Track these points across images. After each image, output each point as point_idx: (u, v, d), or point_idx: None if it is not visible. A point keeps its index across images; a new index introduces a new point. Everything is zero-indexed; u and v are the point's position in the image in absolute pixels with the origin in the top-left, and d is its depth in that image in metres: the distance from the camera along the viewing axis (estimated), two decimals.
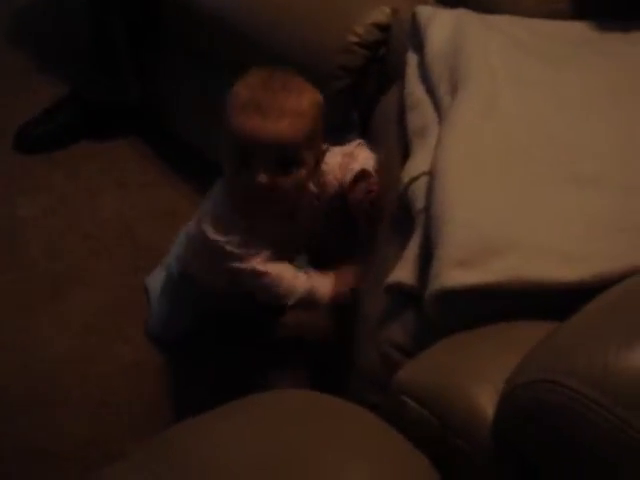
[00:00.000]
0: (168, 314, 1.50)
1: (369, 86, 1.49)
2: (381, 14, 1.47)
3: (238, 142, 1.16)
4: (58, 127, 1.88)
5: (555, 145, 1.07)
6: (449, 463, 0.81)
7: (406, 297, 1.01)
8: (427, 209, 1.03)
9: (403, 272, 1.02)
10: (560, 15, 1.36)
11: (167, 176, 1.83)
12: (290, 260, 1.38)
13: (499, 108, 1.12)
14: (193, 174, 1.82)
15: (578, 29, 1.33)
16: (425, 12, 1.33)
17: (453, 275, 0.92)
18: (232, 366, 1.44)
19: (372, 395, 1.01)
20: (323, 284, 1.28)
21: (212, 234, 1.24)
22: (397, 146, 1.26)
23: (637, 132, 1.07)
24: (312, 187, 1.27)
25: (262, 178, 1.15)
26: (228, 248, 1.23)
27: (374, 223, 1.22)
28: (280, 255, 1.29)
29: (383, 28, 1.46)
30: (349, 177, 1.27)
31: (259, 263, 1.24)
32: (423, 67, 1.27)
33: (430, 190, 1.04)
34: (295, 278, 1.26)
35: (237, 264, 1.24)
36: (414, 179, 1.10)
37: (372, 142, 1.41)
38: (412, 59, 1.30)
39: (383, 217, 1.20)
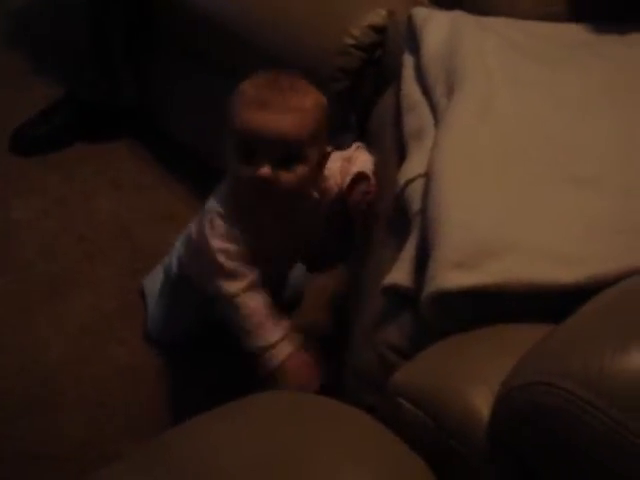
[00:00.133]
0: (166, 316, 1.50)
1: (365, 88, 1.50)
2: (377, 16, 1.47)
3: (242, 137, 1.17)
4: (53, 129, 1.88)
5: (552, 146, 1.07)
6: (445, 465, 0.81)
7: (402, 299, 1.01)
8: (423, 211, 1.03)
9: (399, 274, 1.02)
10: (556, 17, 1.36)
11: (163, 178, 1.83)
12: (289, 268, 1.38)
13: (495, 110, 1.12)
14: (189, 175, 1.82)
15: (574, 31, 1.33)
16: (421, 14, 1.33)
17: (449, 277, 0.92)
18: (229, 368, 1.43)
19: (368, 397, 1.01)
20: (286, 352, 1.23)
21: (212, 238, 1.23)
22: (394, 148, 1.26)
23: (634, 133, 1.07)
24: (315, 194, 1.27)
25: (264, 171, 1.15)
26: (220, 259, 1.22)
27: (369, 224, 1.22)
28: (279, 262, 1.28)
29: (379, 30, 1.47)
30: (347, 180, 1.27)
31: (243, 291, 1.22)
32: (419, 69, 1.27)
33: (426, 192, 1.04)
34: (268, 325, 1.22)
35: (221, 282, 1.22)
36: (410, 181, 1.10)
37: (369, 144, 1.41)
38: (408, 61, 1.31)
39: (378, 219, 1.20)
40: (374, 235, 1.20)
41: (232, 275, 1.22)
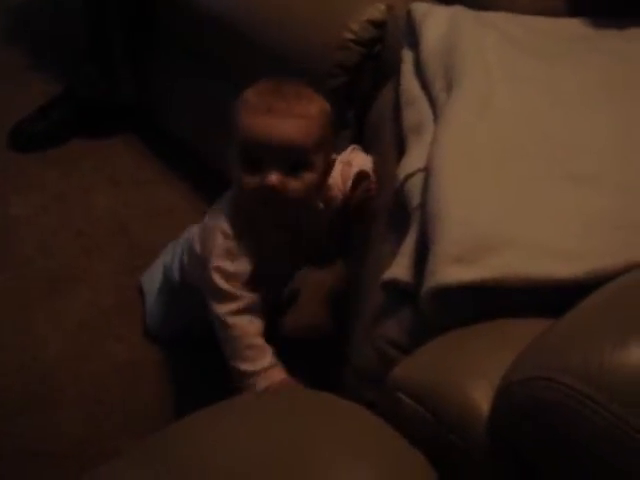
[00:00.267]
0: (165, 314, 1.50)
1: (364, 83, 1.49)
2: (376, 11, 1.46)
3: (247, 145, 1.15)
4: (52, 125, 1.88)
5: (551, 142, 1.07)
6: (445, 460, 0.80)
7: (402, 294, 1.01)
8: (423, 206, 1.03)
9: (399, 269, 1.02)
10: (555, 12, 1.36)
11: (162, 174, 1.83)
12: (293, 272, 1.36)
13: (494, 105, 1.12)
14: (188, 172, 1.82)
15: (573, 26, 1.33)
16: (420, 9, 1.33)
17: (449, 272, 0.92)
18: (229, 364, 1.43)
19: (368, 392, 1.01)
20: (274, 378, 1.19)
21: (212, 255, 1.20)
22: (393, 143, 1.25)
23: (633, 128, 1.07)
24: (320, 204, 1.25)
25: (272, 178, 1.12)
26: (215, 279, 1.19)
27: (368, 220, 1.22)
28: (282, 268, 1.27)
29: (378, 25, 1.46)
30: (349, 183, 1.26)
31: (233, 313, 1.20)
32: (418, 64, 1.26)
33: (426, 187, 1.04)
34: (256, 351, 1.20)
35: (212, 301, 1.21)
36: (410, 176, 1.09)
37: (368, 139, 1.41)
38: (407, 56, 1.30)
39: (375, 214, 1.20)
40: (373, 230, 1.19)
41: (225, 297, 1.20)
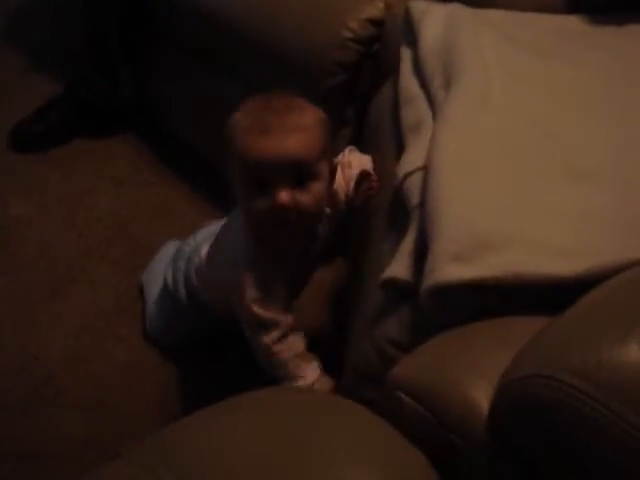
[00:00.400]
0: (168, 325, 1.50)
1: (363, 82, 1.49)
2: (375, 9, 1.46)
3: (249, 167, 1.11)
4: (52, 125, 1.88)
5: (550, 139, 1.06)
6: (445, 459, 0.80)
7: (401, 292, 1.01)
8: (422, 204, 1.03)
9: (398, 267, 1.02)
10: (553, 9, 1.36)
11: (162, 174, 1.83)
12: (307, 275, 1.35)
13: (493, 103, 1.12)
14: (188, 171, 1.81)
15: (571, 23, 1.33)
16: (418, 7, 1.32)
17: (448, 270, 0.92)
18: (228, 364, 1.43)
19: (367, 391, 1.01)
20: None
21: (246, 287, 1.18)
22: (392, 141, 1.25)
23: (631, 125, 1.07)
24: (327, 210, 1.23)
25: (282, 197, 1.09)
26: (255, 310, 1.18)
27: (367, 217, 1.22)
28: (297, 276, 1.26)
29: (377, 23, 1.46)
30: (352, 184, 1.25)
31: (279, 339, 1.19)
32: (417, 62, 1.26)
33: (425, 185, 1.04)
34: (303, 369, 1.20)
35: (256, 333, 1.19)
36: (409, 174, 1.09)
37: (367, 138, 1.40)
38: (406, 54, 1.30)
39: (375, 212, 1.19)
40: (373, 229, 1.19)
41: (267, 326, 1.19)
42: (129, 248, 1.67)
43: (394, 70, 1.32)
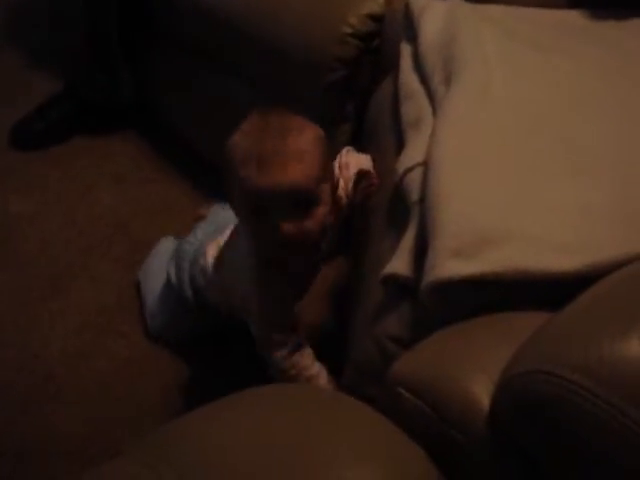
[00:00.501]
0: (171, 322, 1.50)
1: (363, 77, 1.49)
2: (375, 5, 1.46)
3: (249, 197, 1.10)
4: (53, 123, 1.88)
5: (550, 135, 1.06)
6: (446, 454, 0.80)
7: (402, 288, 1.01)
8: (422, 200, 1.03)
9: (399, 263, 1.01)
10: (554, 4, 1.35)
11: (162, 171, 1.82)
12: (312, 283, 1.33)
13: (493, 98, 1.11)
14: (188, 169, 1.81)
15: (572, 18, 1.32)
16: (418, 2, 1.32)
17: (449, 266, 0.92)
18: (230, 360, 1.43)
19: (368, 387, 1.01)
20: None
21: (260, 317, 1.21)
22: (392, 137, 1.25)
23: (631, 120, 1.07)
24: (330, 218, 1.21)
25: (288, 229, 1.09)
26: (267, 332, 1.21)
27: (367, 215, 1.22)
28: (306, 286, 1.28)
29: (377, 19, 1.46)
30: (350, 185, 1.25)
31: (290, 354, 1.21)
32: (417, 57, 1.26)
33: (425, 181, 1.04)
34: (314, 378, 1.23)
35: (268, 351, 1.21)
36: (409, 170, 1.09)
37: (367, 134, 1.40)
38: (406, 50, 1.30)
39: (375, 209, 1.19)
40: (373, 225, 1.19)
41: (277, 344, 1.20)
42: (130, 245, 1.67)
43: (394, 66, 1.32)
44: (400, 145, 1.18)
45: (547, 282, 0.90)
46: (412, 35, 1.30)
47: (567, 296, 0.78)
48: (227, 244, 1.30)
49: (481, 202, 0.98)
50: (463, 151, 1.04)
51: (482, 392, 0.78)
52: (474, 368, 0.81)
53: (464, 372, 0.81)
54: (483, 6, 1.32)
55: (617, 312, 0.72)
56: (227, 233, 1.31)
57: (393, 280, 1.01)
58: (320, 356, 1.23)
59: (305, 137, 1.10)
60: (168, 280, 1.47)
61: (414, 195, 1.06)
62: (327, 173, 1.13)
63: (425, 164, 1.06)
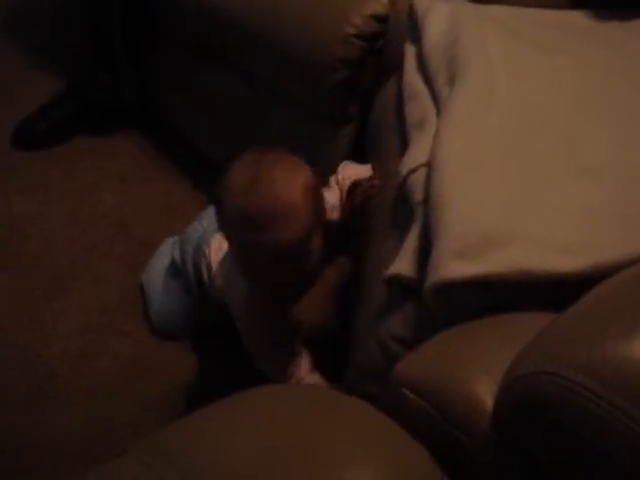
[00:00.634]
0: (175, 308, 1.50)
1: (367, 78, 1.49)
2: (378, 5, 1.46)
3: (246, 255, 1.15)
4: (55, 123, 1.88)
5: (553, 136, 1.06)
6: (449, 455, 0.80)
7: (405, 289, 1.01)
8: (426, 201, 1.03)
9: (402, 264, 1.01)
10: (557, 5, 1.35)
11: (165, 170, 1.82)
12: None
13: (497, 99, 1.11)
14: (191, 168, 1.81)
15: (575, 18, 1.32)
16: (422, 3, 1.32)
17: (452, 267, 0.92)
18: (234, 360, 1.43)
19: (371, 387, 1.01)
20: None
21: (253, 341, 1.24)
22: (396, 138, 1.25)
23: (634, 121, 1.07)
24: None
25: (289, 277, 1.15)
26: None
27: (369, 217, 1.22)
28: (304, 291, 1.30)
29: (381, 19, 1.45)
30: (344, 196, 1.26)
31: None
32: (421, 58, 1.26)
33: (429, 182, 1.04)
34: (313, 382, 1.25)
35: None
36: (412, 171, 1.09)
37: (371, 134, 1.40)
38: (410, 50, 1.30)
39: (378, 210, 1.20)
40: (376, 226, 1.19)
41: (272, 361, 1.25)
42: (133, 244, 1.67)
43: (398, 67, 1.32)
44: (404, 146, 1.18)
45: (550, 283, 0.90)
46: (416, 36, 1.30)
47: (570, 297, 0.78)
48: (226, 261, 1.32)
49: (485, 203, 0.98)
50: (467, 152, 1.04)
51: (486, 393, 0.78)
52: (478, 369, 0.81)
53: (468, 373, 0.81)
54: (487, 7, 1.32)
55: (620, 313, 0.72)
56: None
57: (397, 281, 1.01)
58: (322, 356, 1.24)
59: (295, 188, 1.10)
60: (173, 262, 1.48)
61: (418, 196, 1.06)
62: (319, 215, 1.14)
63: (429, 165, 1.06)
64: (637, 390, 0.66)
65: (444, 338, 0.90)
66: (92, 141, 1.89)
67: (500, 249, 0.92)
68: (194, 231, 1.45)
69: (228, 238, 1.18)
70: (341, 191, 1.27)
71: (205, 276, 1.38)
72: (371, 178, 1.26)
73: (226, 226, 1.16)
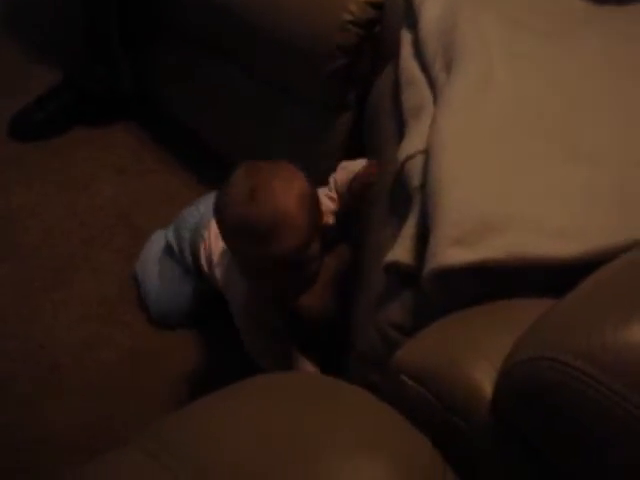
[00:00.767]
0: (173, 295, 1.51)
1: (364, 65, 1.48)
2: None
3: (246, 262, 1.18)
4: (53, 114, 1.87)
5: (551, 121, 1.06)
6: (449, 442, 0.80)
7: (404, 276, 1.01)
8: (423, 187, 1.02)
9: (401, 251, 1.01)
10: None
11: (163, 161, 1.82)
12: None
13: (494, 85, 1.11)
14: (189, 159, 1.81)
15: (574, 4, 1.31)
16: None
17: (450, 253, 0.91)
18: (234, 349, 1.43)
19: (371, 375, 1.01)
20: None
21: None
22: (393, 125, 1.25)
23: (632, 107, 1.06)
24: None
25: (288, 282, 1.19)
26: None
27: (369, 203, 1.22)
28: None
29: (377, 6, 1.45)
30: (341, 198, 1.29)
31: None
32: (417, 45, 1.25)
33: (426, 168, 1.03)
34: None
35: None
36: (410, 157, 1.09)
37: (369, 121, 1.40)
38: (406, 37, 1.29)
39: (376, 197, 1.20)
40: (374, 214, 1.19)
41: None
42: (131, 236, 1.67)
43: (395, 53, 1.31)
44: (401, 132, 1.17)
45: (549, 268, 0.89)
46: (412, 22, 1.29)
47: (569, 283, 0.78)
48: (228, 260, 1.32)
49: (482, 189, 0.97)
50: (464, 138, 1.04)
51: (485, 379, 0.78)
52: (476, 355, 0.81)
53: (466, 359, 0.81)
54: None
55: (620, 299, 0.71)
56: None
57: (395, 268, 1.01)
58: (323, 343, 1.24)
59: (291, 200, 1.13)
60: (169, 247, 1.48)
61: (415, 182, 1.06)
62: (316, 230, 1.17)
63: (426, 151, 1.05)
64: (636, 376, 0.66)
65: (443, 325, 0.90)
66: (90, 132, 1.89)
67: (498, 235, 0.91)
68: (190, 216, 1.45)
69: (228, 246, 1.21)
70: (337, 194, 1.30)
71: (204, 262, 1.38)
72: (369, 166, 1.26)
73: (226, 234, 1.18)
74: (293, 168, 1.17)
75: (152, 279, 1.52)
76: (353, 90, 1.51)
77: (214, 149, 1.73)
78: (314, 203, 1.17)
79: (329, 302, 1.51)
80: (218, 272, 1.33)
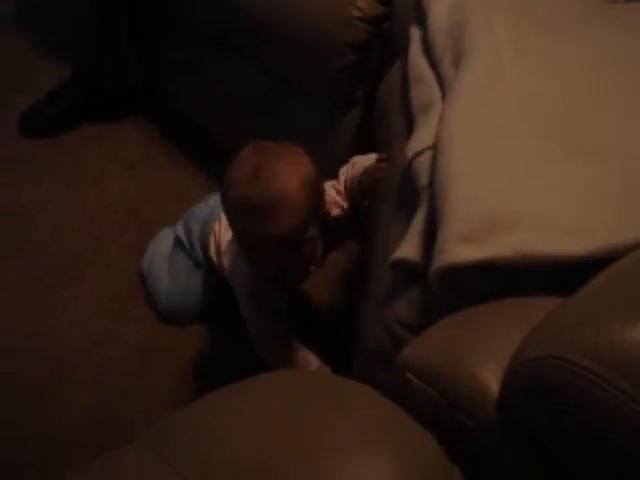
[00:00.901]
0: (183, 288, 1.51)
1: (373, 61, 1.48)
2: None
3: (247, 242, 1.19)
4: (62, 110, 1.88)
5: (559, 118, 1.05)
6: (454, 440, 0.80)
7: (411, 273, 1.00)
8: (431, 184, 1.02)
9: (408, 248, 1.01)
10: None
11: (172, 157, 1.82)
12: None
13: (503, 81, 1.10)
14: (198, 154, 1.81)
15: (585, 0, 1.31)
16: None
17: (458, 251, 0.91)
18: (241, 346, 1.43)
19: (377, 372, 1.01)
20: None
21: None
22: (402, 121, 1.24)
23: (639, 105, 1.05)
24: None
25: (287, 264, 1.19)
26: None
27: (377, 199, 1.22)
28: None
29: (386, 2, 1.44)
30: (350, 192, 1.29)
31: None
32: (426, 40, 1.25)
33: (434, 165, 1.03)
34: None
35: None
36: (418, 154, 1.08)
37: (378, 117, 1.39)
38: (415, 33, 1.29)
39: (384, 194, 1.19)
40: (383, 210, 1.19)
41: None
42: (141, 232, 1.67)
43: (404, 49, 1.31)
44: (410, 129, 1.17)
45: (556, 267, 0.89)
46: (421, 18, 1.28)
47: (577, 282, 0.78)
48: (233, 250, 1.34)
49: (490, 185, 0.97)
50: (472, 134, 1.03)
51: (491, 378, 0.78)
52: (483, 354, 0.81)
53: (473, 358, 0.81)
54: None
55: (628, 298, 0.71)
56: None
57: (402, 265, 1.01)
58: (329, 340, 1.24)
59: (293, 182, 1.13)
60: (178, 241, 1.49)
61: (423, 179, 1.06)
62: (315, 214, 1.17)
63: (434, 148, 1.05)
64: None
65: (450, 323, 0.90)
66: (99, 128, 1.90)
67: (506, 232, 0.91)
68: (200, 211, 1.47)
69: (231, 225, 1.22)
70: (345, 188, 1.30)
71: (213, 253, 1.39)
72: (379, 161, 1.26)
73: (228, 213, 1.19)
74: (299, 151, 1.18)
75: (161, 276, 1.53)
76: (362, 86, 1.50)
77: (223, 145, 1.73)
78: (316, 188, 1.18)
79: (337, 298, 1.52)
80: (225, 260, 1.35)
